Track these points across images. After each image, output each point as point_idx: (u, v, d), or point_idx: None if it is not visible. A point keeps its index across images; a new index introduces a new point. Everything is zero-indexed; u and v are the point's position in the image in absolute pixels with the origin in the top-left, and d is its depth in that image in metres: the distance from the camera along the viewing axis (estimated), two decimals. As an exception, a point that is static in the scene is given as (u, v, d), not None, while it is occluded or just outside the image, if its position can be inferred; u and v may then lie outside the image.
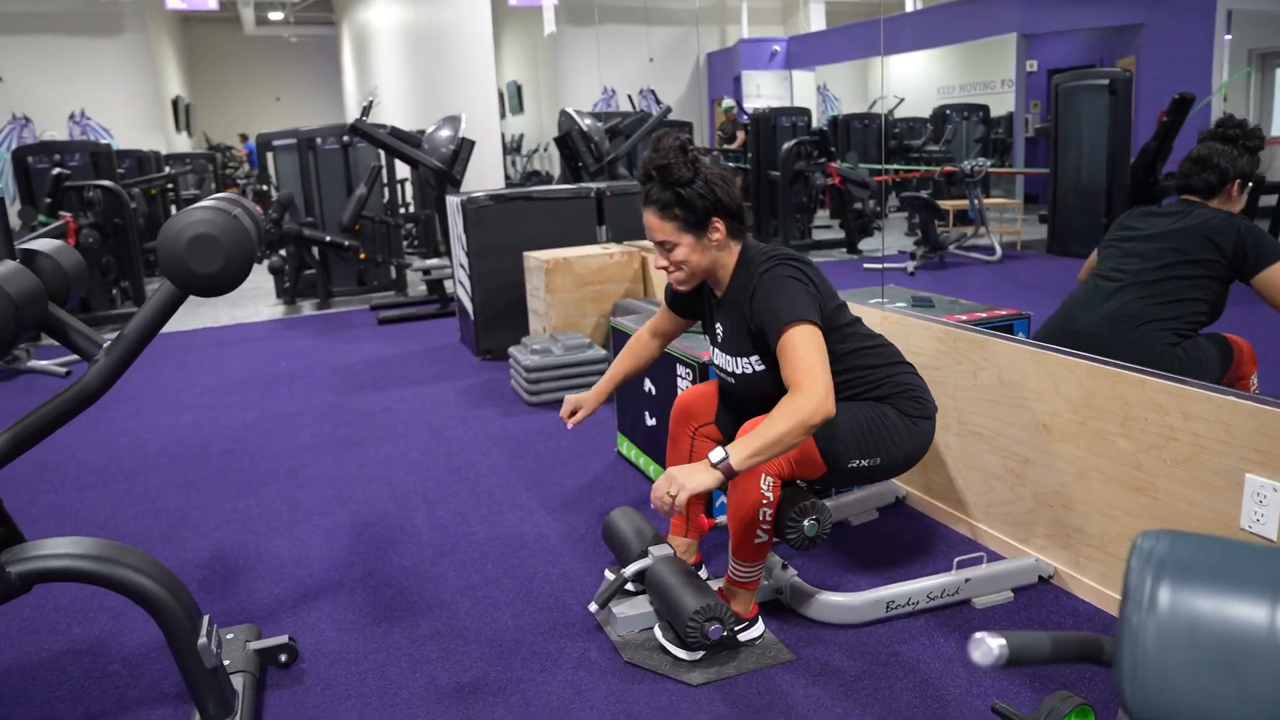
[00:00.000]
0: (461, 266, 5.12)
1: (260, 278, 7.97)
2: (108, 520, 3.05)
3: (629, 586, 2.23)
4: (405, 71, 12.75)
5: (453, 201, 5.10)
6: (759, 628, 2.11)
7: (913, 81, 12.86)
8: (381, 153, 7.15)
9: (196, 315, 7.02)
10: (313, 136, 7.34)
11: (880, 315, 2.89)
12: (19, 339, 1.53)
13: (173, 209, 9.88)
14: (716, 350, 2.20)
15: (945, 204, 8.46)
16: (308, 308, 7.26)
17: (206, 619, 1.80)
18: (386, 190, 7.93)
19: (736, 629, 2.05)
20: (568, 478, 3.20)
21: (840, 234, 8.45)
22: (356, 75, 19.92)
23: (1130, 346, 2.42)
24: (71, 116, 14.14)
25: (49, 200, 6.34)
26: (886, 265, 7.29)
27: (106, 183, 6.71)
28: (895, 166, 9.76)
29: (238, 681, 1.93)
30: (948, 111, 11.29)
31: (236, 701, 1.84)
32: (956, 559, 2.27)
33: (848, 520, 2.71)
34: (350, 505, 3.06)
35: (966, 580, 2.22)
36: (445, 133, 6.01)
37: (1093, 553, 2.19)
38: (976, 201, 7.79)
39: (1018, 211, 8.96)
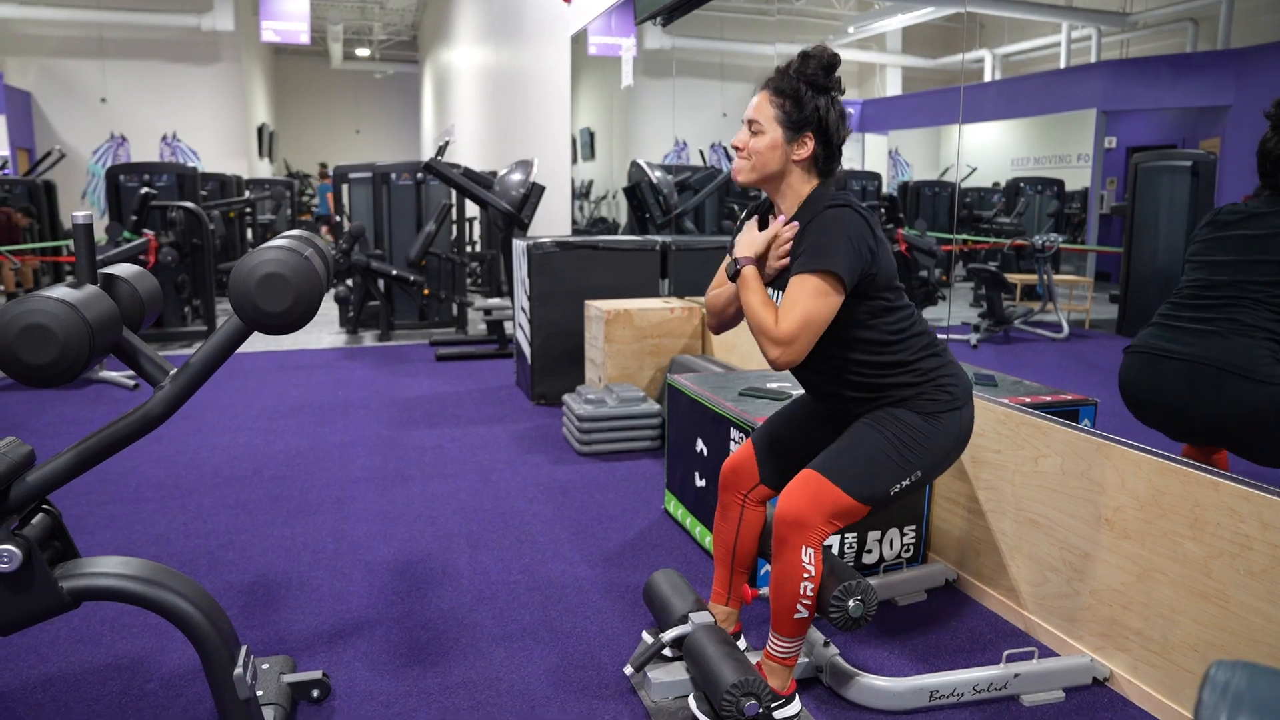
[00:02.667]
0: (523, 310, 5.17)
1: (325, 305, 8.15)
2: (160, 536, 3.10)
3: (666, 651, 2.19)
4: (482, 112, 13.08)
5: (519, 245, 5.16)
6: (795, 706, 2.05)
7: (986, 151, 12.78)
8: (453, 191, 7.30)
9: (260, 337, 7.19)
10: (388, 172, 7.54)
11: (941, 391, 2.83)
12: (93, 362, 1.57)
13: (249, 232, 10.20)
14: None
15: (1013, 278, 8.33)
16: (369, 338, 7.39)
17: (244, 649, 1.81)
18: (455, 228, 8.08)
19: (773, 706, 1.99)
20: (613, 532, 3.17)
21: (903, 300, 8.36)
22: (435, 112, 20.50)
23: (1231, 352, 2.17)
24: (164, 138, 14.79)
25: (135, 218, 6.60)
26: (949, 338, 7.18)
27: (188, 204, 6.96)
28: (964, 236, 9.64)
29: (269, 714, 1.92)
30: (1021, 184, 11.19)
31: (266, 736, 1.84)
32: (1006, 652, 2.19)
33: (894, 600, 2.64)
34: (394, 542, 3.07)
35: (1016, 675, 2.14)
36: (517, 176, 6.12)
37: (1153, 659, 2.09)
38: (1046, 277, 7.66)
39: (1088, 289, 8.79)
